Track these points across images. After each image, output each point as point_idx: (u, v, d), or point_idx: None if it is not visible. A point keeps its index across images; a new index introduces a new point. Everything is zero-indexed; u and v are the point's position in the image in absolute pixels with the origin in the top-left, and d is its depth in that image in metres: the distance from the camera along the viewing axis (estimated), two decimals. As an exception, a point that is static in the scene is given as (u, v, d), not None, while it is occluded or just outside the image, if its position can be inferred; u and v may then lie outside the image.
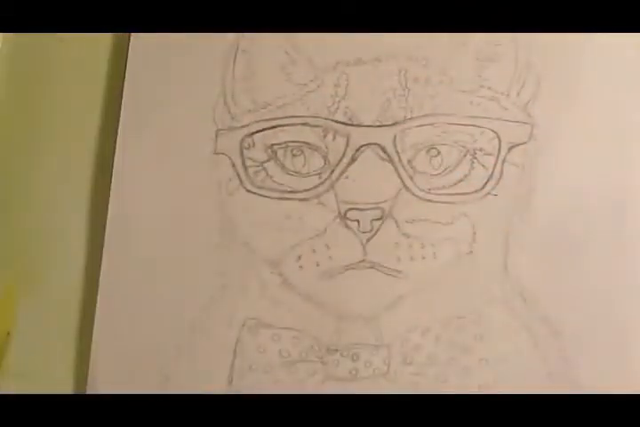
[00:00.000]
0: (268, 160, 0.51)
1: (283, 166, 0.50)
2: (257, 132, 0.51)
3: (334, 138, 0.50)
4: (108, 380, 0.49)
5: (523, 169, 0.49)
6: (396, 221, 0.49)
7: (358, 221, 0.49)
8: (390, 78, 0.51)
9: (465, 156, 0.49)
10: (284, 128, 0.51)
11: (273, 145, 0.51)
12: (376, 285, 0.48)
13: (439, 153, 0.49)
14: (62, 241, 0.53)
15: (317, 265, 0.49)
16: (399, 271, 0.48)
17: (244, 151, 0.51)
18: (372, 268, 0.48)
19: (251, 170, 0.51)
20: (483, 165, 0.49)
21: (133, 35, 0.54)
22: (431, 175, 0.49)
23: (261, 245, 0.50)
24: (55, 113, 0.55)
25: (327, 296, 0.49)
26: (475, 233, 0.49)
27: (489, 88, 0.50)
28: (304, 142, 0.50)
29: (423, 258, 0.48)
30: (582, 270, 0.48)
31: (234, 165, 0.51)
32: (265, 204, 0.50)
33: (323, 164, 0.50)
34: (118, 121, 0.53)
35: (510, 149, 0.49)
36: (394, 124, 0.50)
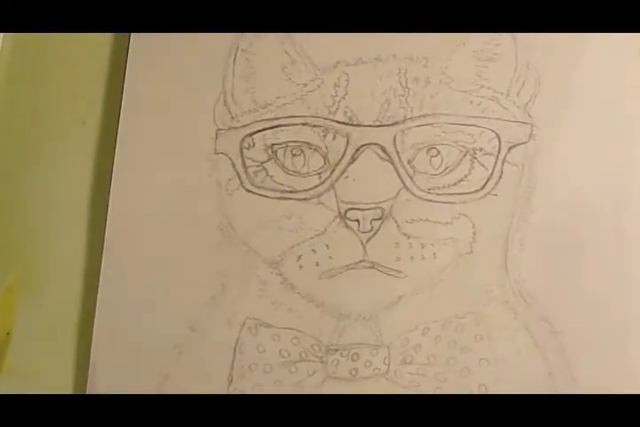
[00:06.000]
0: (268, 160, 0.51)
1: (283, 166, 0.50)
2: (257, 131, 0.51)
3: (334, 138, 0.50)
4: (107, 380, 0.49)
5: (522, 169, 0.49)
6: (396, 221, 0.49)
7: (358, 220, 0.49)
8: (390, 78, 0.51)
9: (465, 156, 0.49)
10: (285, 128, 0.51)
11: (273, 145, 0.51)
12: (376, 285, 0.48)
13: (439, 153, 0.49)
14: (62, 241, 0.53)
15: (317, 265, 0.49)
16: (399, 271, 0.48)
17: (244, 151, 0.51)
18: (371, 268, 0.48)
19: (251, 170, 0.51)
20: (483, 165, 0.49)
21: (133, 35, 0.54)
22: (431, 175, 0.49)
23: (261, 245, 0.50)
24: (55, 113, 0.55)
25: (327, 296, 0.49)
26: (475, 233, 0.49)
27: (489, 88, 0.50)
28: (304, 142, 0.50)
29: (423, 258, 0.48)
30: (582, 270, 0.48)
31: (234, 165, 0.51)
32: (265, 204, 0.50)
33: (323, 164, 0.50)
34: (118, 121, 0.53)
35: (510, 148, 0.49)
36: (394, 124, 0.50)
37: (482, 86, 0.50)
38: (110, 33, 0.55)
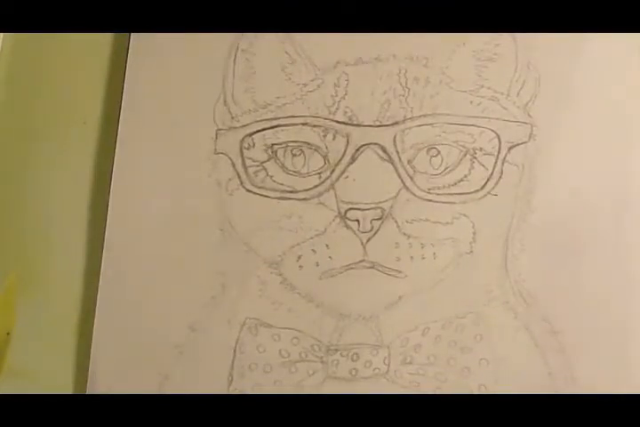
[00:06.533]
0: (267, 160, 0.51)
1: (283, 166, 0.50)
2: (257, 131, 0.51)
3: (334, 138, 0.50)
4: (107, 380, 0.49)
5: (522, 169, 0.49)
6: (396, 221, 0.49)
7: (358, 220, 0.49)
8: (390, 78, 0.51)
9: (465, 155, 0.49)
10: (284, 128, 0.51)
11: (273, 145, 0.51)
12: (376, 285, 0.48)
13: (439, 153, 0.49)
14: (62, 241, 0.53)
15: (317, 265, 0.49)
16: (399, 271, 0.48)
17: (244, 151, 0.51)
18: (371, 268, 0.48)
19: (251, 170, 0.51)
20: (482, 165, 0.49)
21: (133, 35, 0.54)
22: (431, 175, 0.49)
23: (261, 245, 0.50)
24: (55, 113, 0.55)
25: (327, 296, 0.49)
26: (475, 233, 0.49)
27: (489, 88, 0.50)
28: (304, 142, 0.50)
29: (423, 258, 0.48)
30: (582, 270, 0.48)
31: (234, 165, 0.51)
32: (265, 203, 0.50)
33: (323, 164, 0.50)
34: (118, 121, 0.53)
35: (510, 148, 0.49)
36: (394, 124, 0.50)
37: (482, 86, 0.50)
38: (110, 33, 0.55)
